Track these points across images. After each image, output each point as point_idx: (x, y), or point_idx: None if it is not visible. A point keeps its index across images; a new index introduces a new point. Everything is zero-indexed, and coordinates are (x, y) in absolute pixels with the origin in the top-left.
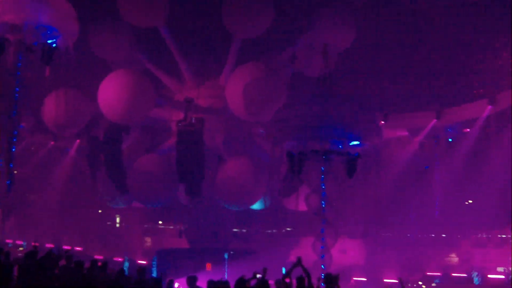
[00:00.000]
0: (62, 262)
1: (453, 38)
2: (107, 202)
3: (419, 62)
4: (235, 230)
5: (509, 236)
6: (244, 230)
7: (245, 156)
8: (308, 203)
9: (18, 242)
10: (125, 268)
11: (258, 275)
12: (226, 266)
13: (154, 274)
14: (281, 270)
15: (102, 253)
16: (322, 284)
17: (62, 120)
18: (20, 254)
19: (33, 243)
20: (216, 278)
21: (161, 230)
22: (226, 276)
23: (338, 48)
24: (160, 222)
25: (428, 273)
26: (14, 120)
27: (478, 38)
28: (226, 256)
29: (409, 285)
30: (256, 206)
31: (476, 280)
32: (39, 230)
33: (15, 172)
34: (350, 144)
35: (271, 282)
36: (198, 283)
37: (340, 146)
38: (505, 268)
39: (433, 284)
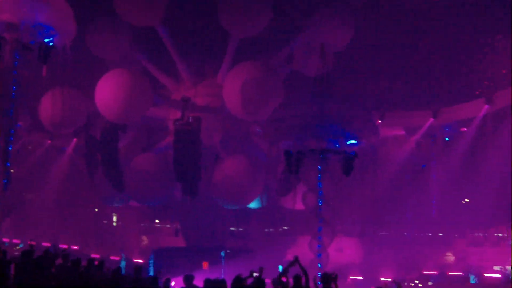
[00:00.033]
0: (59, 261)
1: (450, 38)
2: (103, 201)
3: (416, 61)
4: (232, 228)
5: (506, 235)
6: (241, 229)
7: (242, 155)
8: (305, 202)
9: (15, 241)
10: (121, 267)
11: (255, 274)
12: (223, 265)
13: (151, 273)
14: (278, 269)
15: (99, 252)
16: (319, 283)
17: (58, 119)
18: (16, 253)
19: (29, 242)
20: (213, 277)
21: (158, 229)
22: (223, 275)
23: (336, 48)
24: (157, 221)
25: (424, 272)
26: (11, 119)
27: (474, 37)
28: (223, 254)
29: (406, 284)
30: (253, 205)
31: (472, 278)
32: (36, 229)
33: (12, 171)
34: (347, 143)
35: (267, 281)
36: (195, 282)
37: (337, 145)
38: (502, 267)
39: (430, 283)
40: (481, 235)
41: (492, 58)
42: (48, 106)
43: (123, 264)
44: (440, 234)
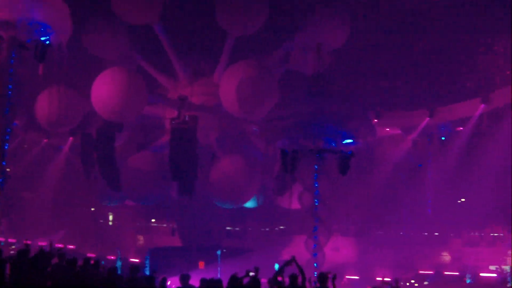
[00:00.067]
0: (55, 260)
1: (447, 38)
2: (100, 200)
3: (413, 61)
4: (228, 228)
5: (501, 234)
6: (237, 228)
7: (238, 154)
8: (301, 201)
9: (11, 240)
10: (117, 266)
11: (251, 273)
12: (219, 264)
13: (147, 272)
14: (274, 268)
15: (95, 251)
16: (315, 282)
17: (55, 118)
18: (12, 252)
19: (25, 241)
20: (209, 276)
21: (154, 228)
22: (219, 274)
23: (332, 47)
24: (153, 220)
25: (420, 272)
26: (7, 117)
27: (471, 37)
28: (219, 254)
29: (402, 283)
30: (249, 204)
31: (468, 278)
32: (32, 228)
33: (8, 170)
34: (343, 142)
35: (264, 280)
36: (191, 281)
37: (333, 144)
38: (497, 267)
39: (426, 283)
40: (477, 234)
41: (489, 58)
42: (45, 105)
43: (119, 264)
44: (436, 234)
